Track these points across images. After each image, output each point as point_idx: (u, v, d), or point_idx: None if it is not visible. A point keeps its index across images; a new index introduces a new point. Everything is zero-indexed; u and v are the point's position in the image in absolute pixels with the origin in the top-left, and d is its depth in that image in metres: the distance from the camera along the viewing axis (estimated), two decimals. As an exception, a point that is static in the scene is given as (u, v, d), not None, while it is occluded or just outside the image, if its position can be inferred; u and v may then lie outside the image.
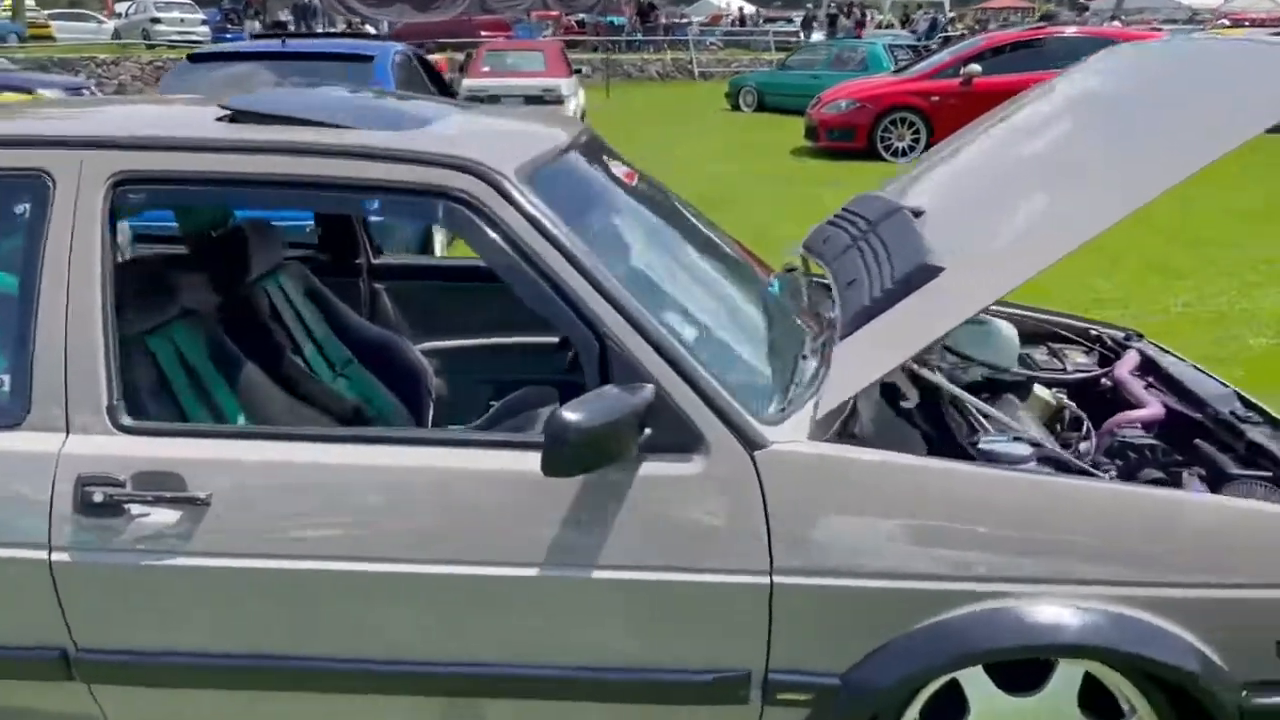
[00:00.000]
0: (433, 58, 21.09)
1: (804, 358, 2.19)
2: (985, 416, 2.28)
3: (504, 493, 1.88)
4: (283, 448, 1.93)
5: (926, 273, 2.12)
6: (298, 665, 1.94)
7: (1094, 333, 3.17)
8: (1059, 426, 2.64)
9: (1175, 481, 2.29)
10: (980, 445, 2.10)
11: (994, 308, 3.21)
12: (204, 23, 29.02)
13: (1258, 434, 2.39)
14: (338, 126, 2.06)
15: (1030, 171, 2.49)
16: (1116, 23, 24.71)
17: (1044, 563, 1.88)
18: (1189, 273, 6.62)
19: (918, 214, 2.60)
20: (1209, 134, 2.00)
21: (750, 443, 1.88)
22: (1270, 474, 2.26)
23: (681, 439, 1.88)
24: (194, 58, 6.51)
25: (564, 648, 1.93)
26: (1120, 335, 3.14)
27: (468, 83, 15.06)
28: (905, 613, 1.89)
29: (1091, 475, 2.03)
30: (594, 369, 1.90)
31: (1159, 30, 22.70)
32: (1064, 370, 2.98)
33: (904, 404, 2.06)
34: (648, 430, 1.86)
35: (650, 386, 1.87)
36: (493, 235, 1.92)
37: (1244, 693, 1.92)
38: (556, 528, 1.88)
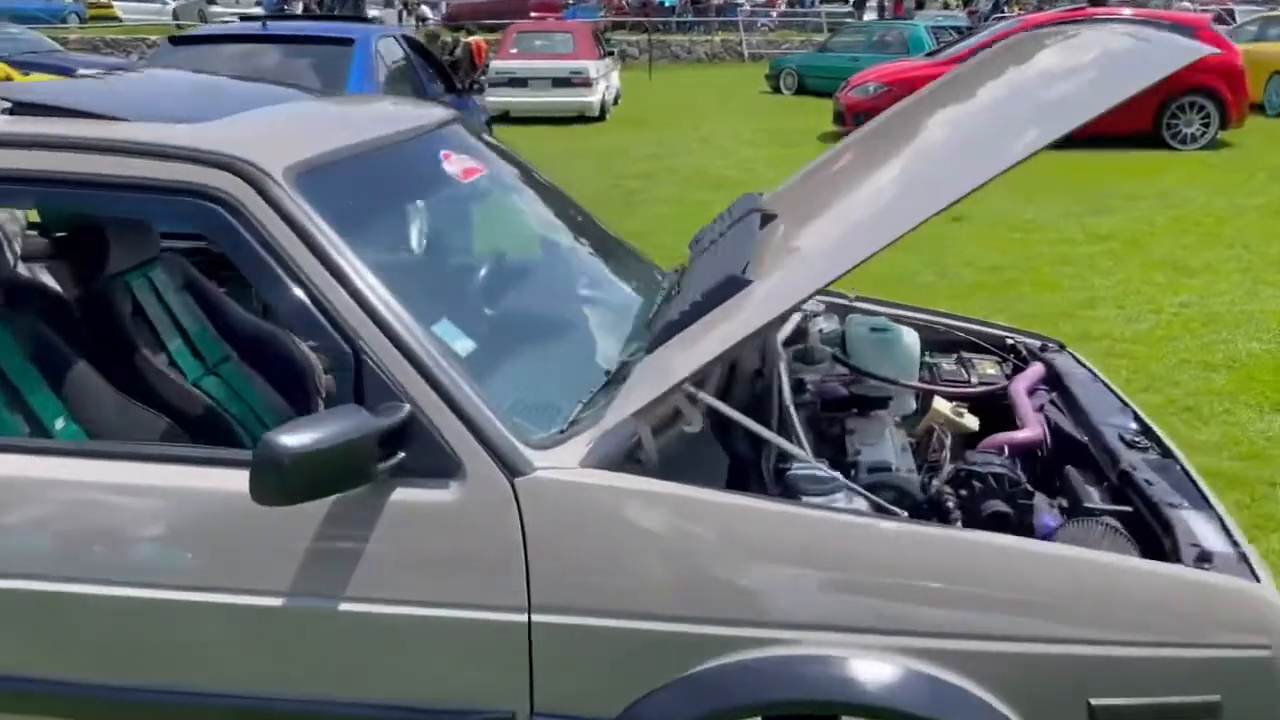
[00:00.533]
0: (471, 40, 21.14)
1: (608, 373, 2.04)
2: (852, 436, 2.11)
3: (229, 514, 1.76)
4: None
5: (732, 285, 1.94)
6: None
7: (1010, 342, 2.96)
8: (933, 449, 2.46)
9: (1023, 514, 2.10)
10: (789, 474, 1.93)
11: (908, 315, 3.03)
12: (258, 3, 29.31)
13: (1137, 461, 2.19)
14: (112, 119, 1.95)
15: (884, 165, 2.30)
16: (1186, 3, 23.51)
17: (828, 608, 1.71)
18: (1201, 272, 6.28)
19: (769, 217, 2.42)
20: (1025, 131, 1.80)
21: (511, 469, 1.73)
22: (1131, 508, 2.06)
23: (439, 464, 1.74)
24: (174, 40, 6.48)
25: (312, 679, 1.81)
26: (1036, 345, 2.92)
27: (495, 64, 15.00)
28: (675, 658, 1.73)
29: (889, 512, 1.83)
30: (348, 387, 1.76)
31: (1232, 10, 21.72)
32: (967, 383, 2.79)
33: (687, 429, 1.89)
34: (401, 454, 1.72)
35: (405, 407, 1.73)
36: (249, 239, 1.79)
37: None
38: (297, 555, 1.75)
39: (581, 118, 14.76)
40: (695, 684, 1.73)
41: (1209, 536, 1.91)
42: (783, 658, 1.71)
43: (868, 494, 1.90)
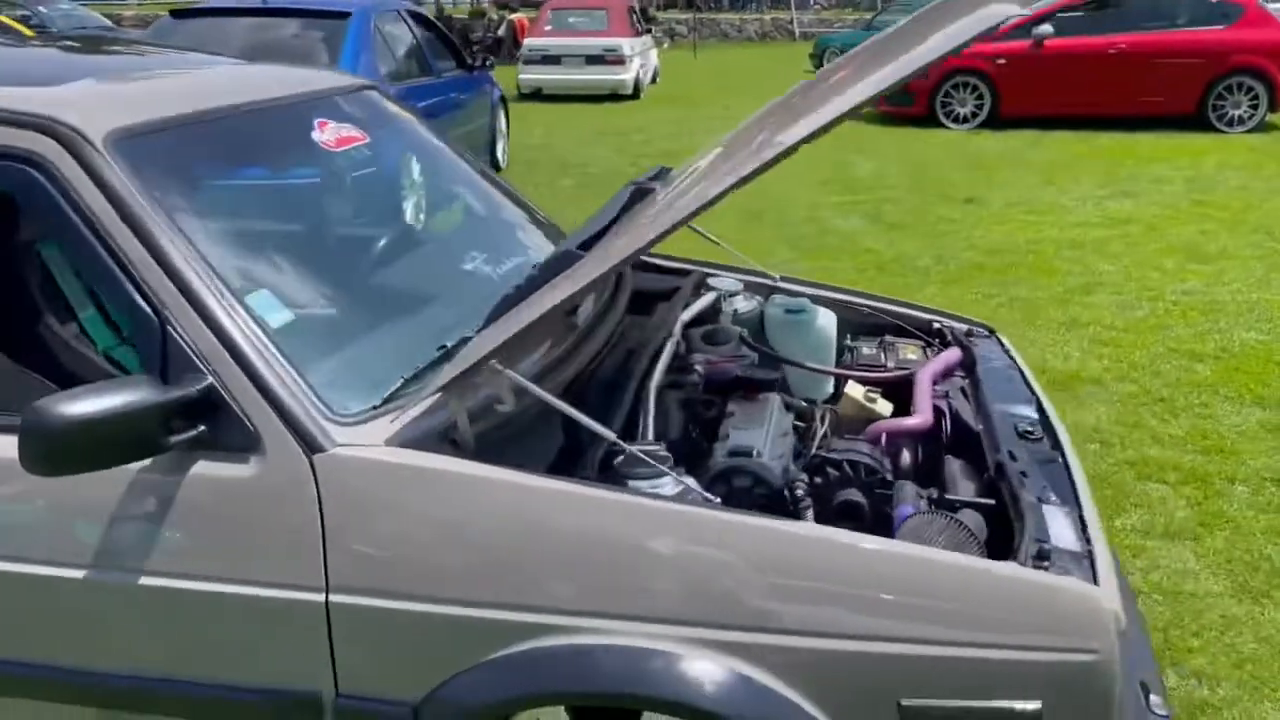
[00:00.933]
0: (515, 16, 21.02)
1: (444, 349, 1.98)
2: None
3: (20, 480, 1.72)
4: None
5: (565, 260, 1.87)
6: None
7: (937, 326, 2.84)
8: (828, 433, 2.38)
9: (879, 504, 2.01)
10: (615, 458, 1.86)
11: (832, 296, 2.94)
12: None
13: (1020, 453, 2.10)
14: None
15: (755, 133, 2.20)
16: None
17: (626, 596, 1.65)
18: (1215, 258, 6.03)
19: (645, 192, 2.34)
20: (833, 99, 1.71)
21: (310, 445, 1.69)
22: (994, 501, 1.97)
23: (238, 438, 1.70)
24: (175, 13, 6.53)
25: (116, 654, 1.80)
26: (963, 330, 2.81)
27: (529, 41, 14.93)
28: (476, 643, 1.69)
29: (710, 502, 1.76)
30: (151, 356, 1.73)
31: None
32: (882, 367, 2.70)
33: (500, 408, 1.83)
34: (201, 427, 1.69)
35: (207, 379, 1.69)
36: (61, 204, 1.77)
37: (863, 761, 1.65)
38: (100, 524, 1.73)
39: (615, 96, 14.65)
40: (494, 670, 1.68)
41: (1060, 534, 1.81)
42: (577, 646, 1.66)
43: (692, 481, 1.83)
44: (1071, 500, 1.95)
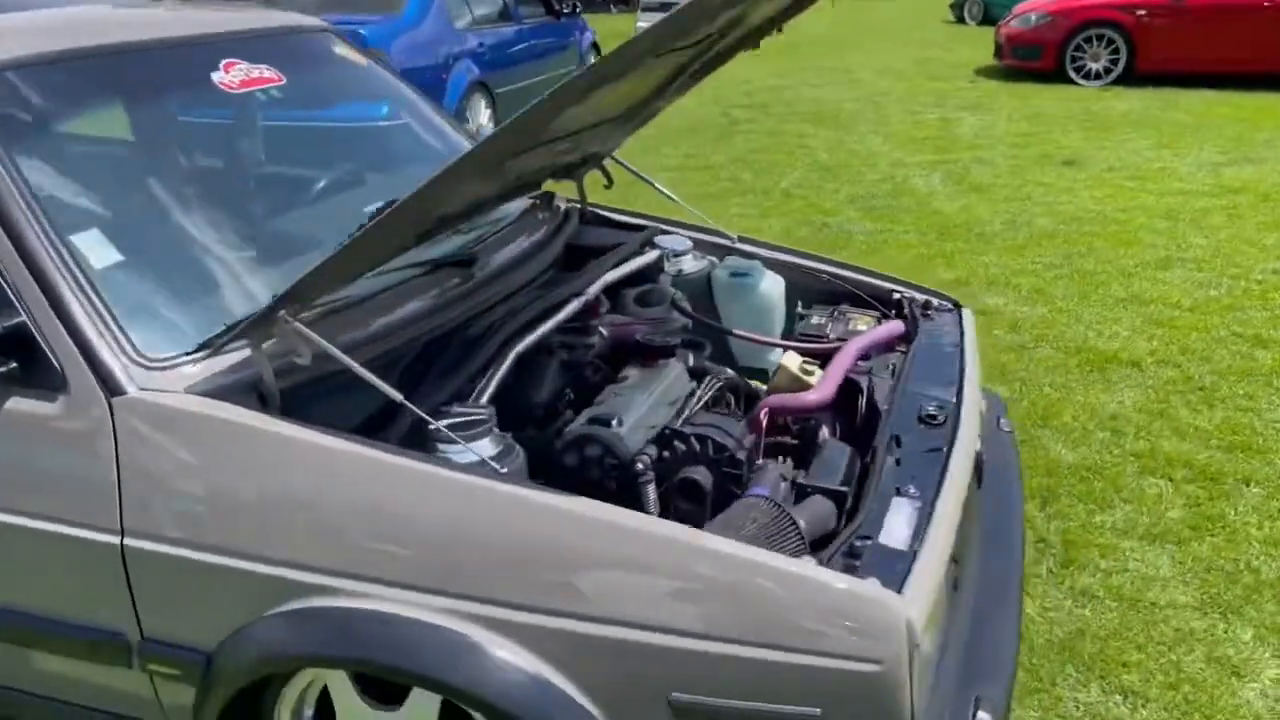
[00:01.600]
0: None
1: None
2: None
3: None
4: None
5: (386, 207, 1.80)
6: None
7: (897, 296, 2.66)
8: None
9: (728, 482, 1.89)
10: (430, 422, 1.79)
11: (792, 262, 2.79)
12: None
13: (906, 439, 1.95)
14: None
15: None
16: None
17: (399, 565, 1.59)
18: (1328, 237, 5.46)
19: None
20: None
21: (111, 388, 1.69)
22: (846, 489, 1.83)
23: (46, 376, 1.72)
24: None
25: None
26: (920, 302, 2.62)
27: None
28: (258, 597, 1.67)
29: (496, 471, 1.66)
30: None
31: None
32: (820, 338, 2.55)
33: (299, 360, 1.77)
34: (13, 364, 1.71)
35: (19, 315, 1.71)
36: None
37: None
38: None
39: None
40: (271, 626, 1.66)
41: (895, 531, 1.66)
42: (342, 609, 1.62)
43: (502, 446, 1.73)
44: (929, 496, 1.78)
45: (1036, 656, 2.36)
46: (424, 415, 1.68)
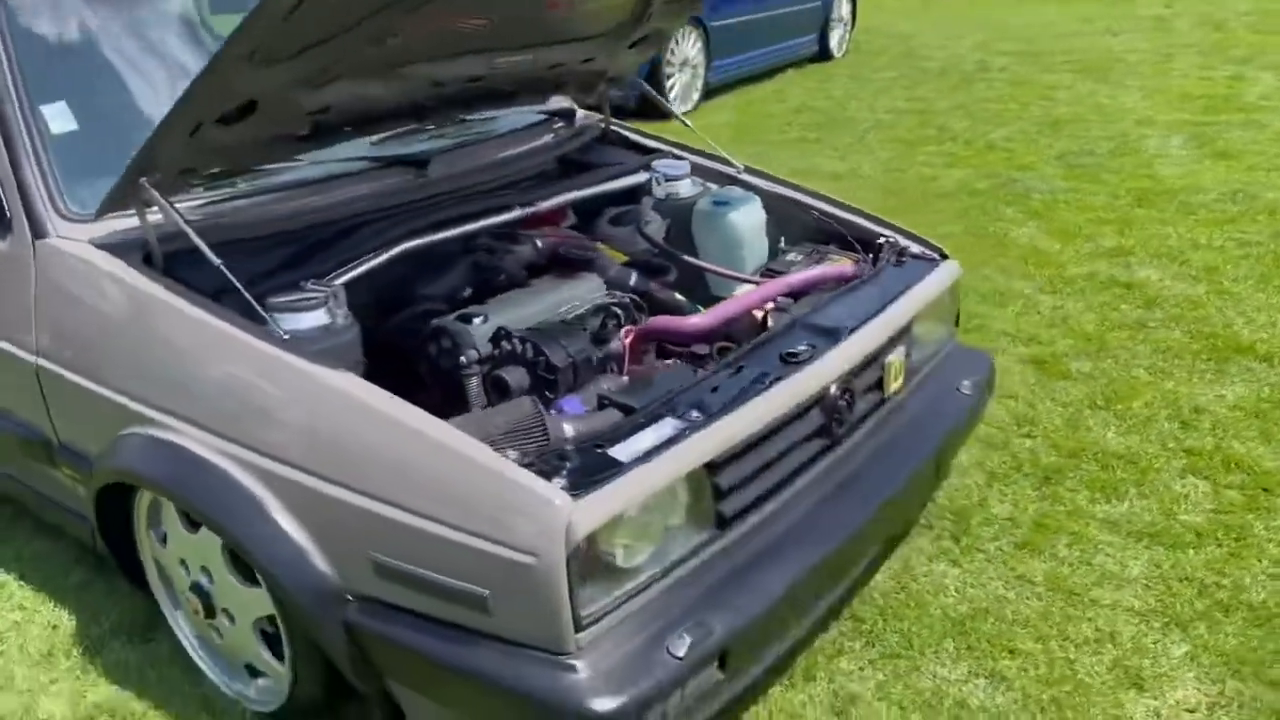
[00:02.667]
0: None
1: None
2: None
3: None
4: None
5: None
6: None
7: (881, 240, 2.56)
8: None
9: (543, 387, 1.98)
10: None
11: (790, 196, 2.75)
12: None
13: (747, 368, 1.96)
14: None
15: None
16: None
17: (191, 404, 1.84)
18: None
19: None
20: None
21: (37, 232, 2.04)
22: (635, 408, 1.85)
23: (1, 219, 2.10)
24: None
25: None
26: (898, 248, 2.51)
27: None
28: (114, 419, 1.97)
29: (285, 340, 1.82)
30: None
31: None
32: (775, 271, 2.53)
33: (168, 230, 1.99)
34: (-22, 206, 2.11)
35: (-14, 166, 2.10)
36: None
37: (350, 604, 1.73)
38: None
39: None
40: (117, 444, 1.96)
41: (633, 448, 1.69)
42: (148, 436, 1.89)
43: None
44: (709, 423, 1.76)
45: (919, 625, 2.24)
46: (243, 289, 1.87)
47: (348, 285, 2.07)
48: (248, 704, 2.05)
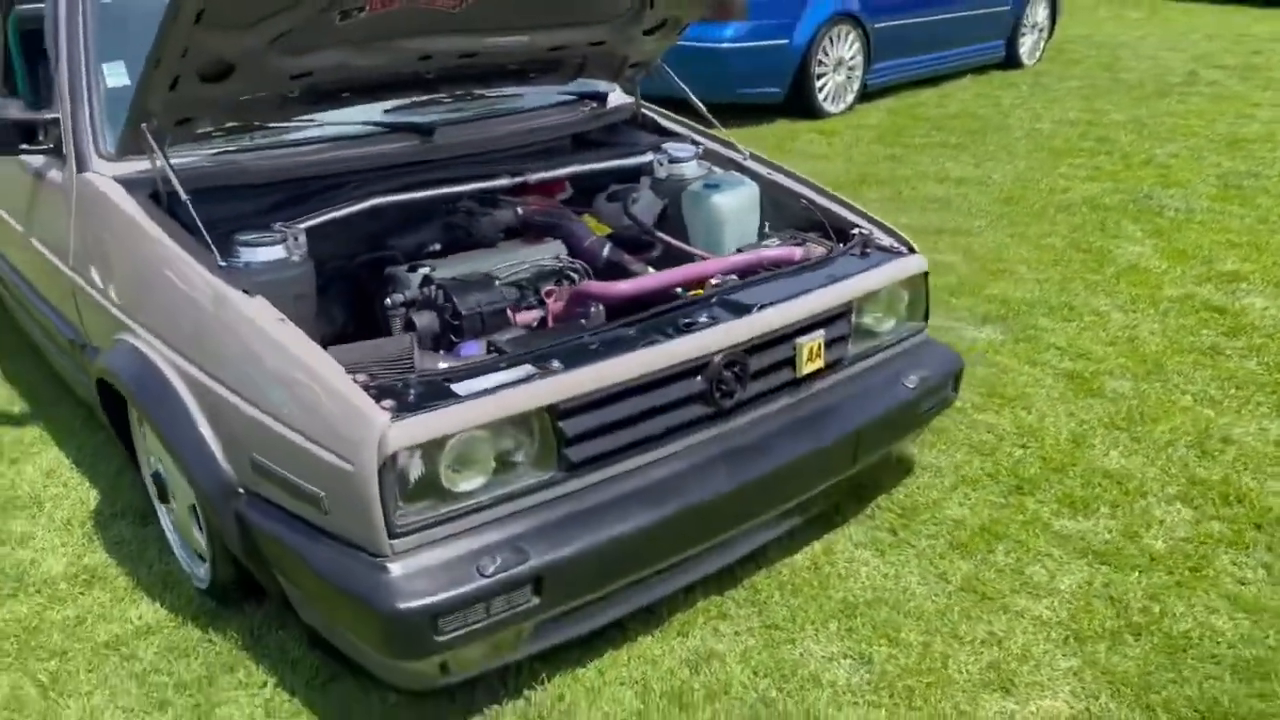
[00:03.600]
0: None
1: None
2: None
3: None
4: None
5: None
6: None
7: (855, 231, 2.62)
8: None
9: (448, 331, 2.20)
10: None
11: (786, 185, 2.84)
12: None
13: (638, 327, 2.14)
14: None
15: None
16: None
17: (151, 317, 2.18)
18: None
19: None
20: None
21: (79, 165, 2.45)
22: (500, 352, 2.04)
23: (57, 150, 2.52)
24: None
25: None
26: (865, 238, 2.57)
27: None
28: (111, 328, 2.34)
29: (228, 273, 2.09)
30: (37, 92, 2.61)
31: None
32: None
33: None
34: (49, 145, 2.54)
35: (55, 112, 2.53)
36: None
37: (240, 497, 2.00)
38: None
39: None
40: (110, 348, 2.33)
41: (471, 385, 1.87)
42: (118, 341, 2.24)
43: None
44: (561, 372, 1.92)
45: (811, 604, 2.28)
46: (200, 224, 2.17)
47: (323, 230, 2.36)
48: (195, 581, 2.38)
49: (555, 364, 1.95)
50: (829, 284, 2.35)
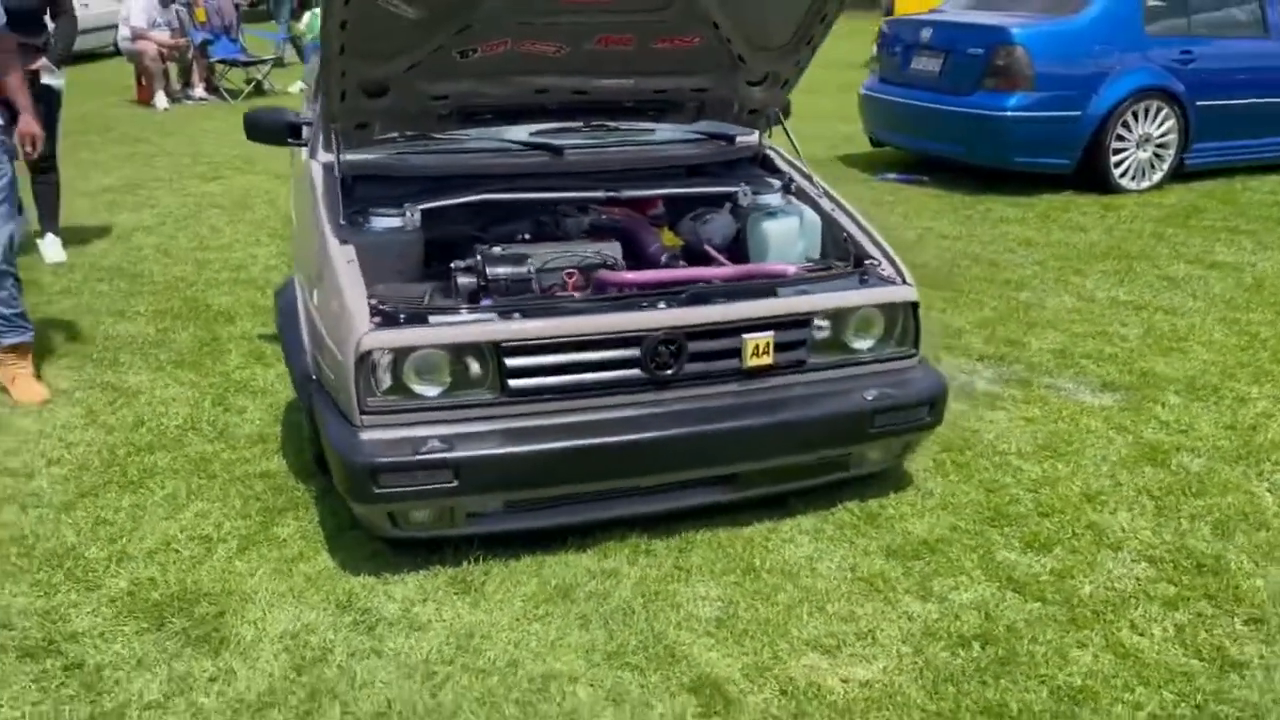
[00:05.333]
0: None
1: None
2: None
3: None
4: None
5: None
6: None
7: (867, 262, 3.02)
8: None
9: (479, 289, 2.89)
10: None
11: (839, 221, 3.25)
12: None
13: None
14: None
15: None
16: None
17: (303, 268, 3.09)
18: None
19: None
20: None
21: (311, 152, 3.48)
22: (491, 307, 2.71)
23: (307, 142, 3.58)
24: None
25: None
26: (864, 264, 2.97)
27: None
28: (303, 283, 3.32)
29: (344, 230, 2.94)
30: None
31: None
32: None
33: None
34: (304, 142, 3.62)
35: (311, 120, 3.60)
36: None
37: (313, 383, 2.84)
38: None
39: None
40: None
41: (439, 319, 2.57)
42: (289, 279, 3.18)
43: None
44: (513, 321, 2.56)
45: (722, 560, 2.65)
46: (339, 197, 3.06)
47: (440, 213, 3.17)
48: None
49: (515, 315, 2.58)
50: (793, 295, 2.74)
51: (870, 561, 2.68)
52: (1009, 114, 6.44)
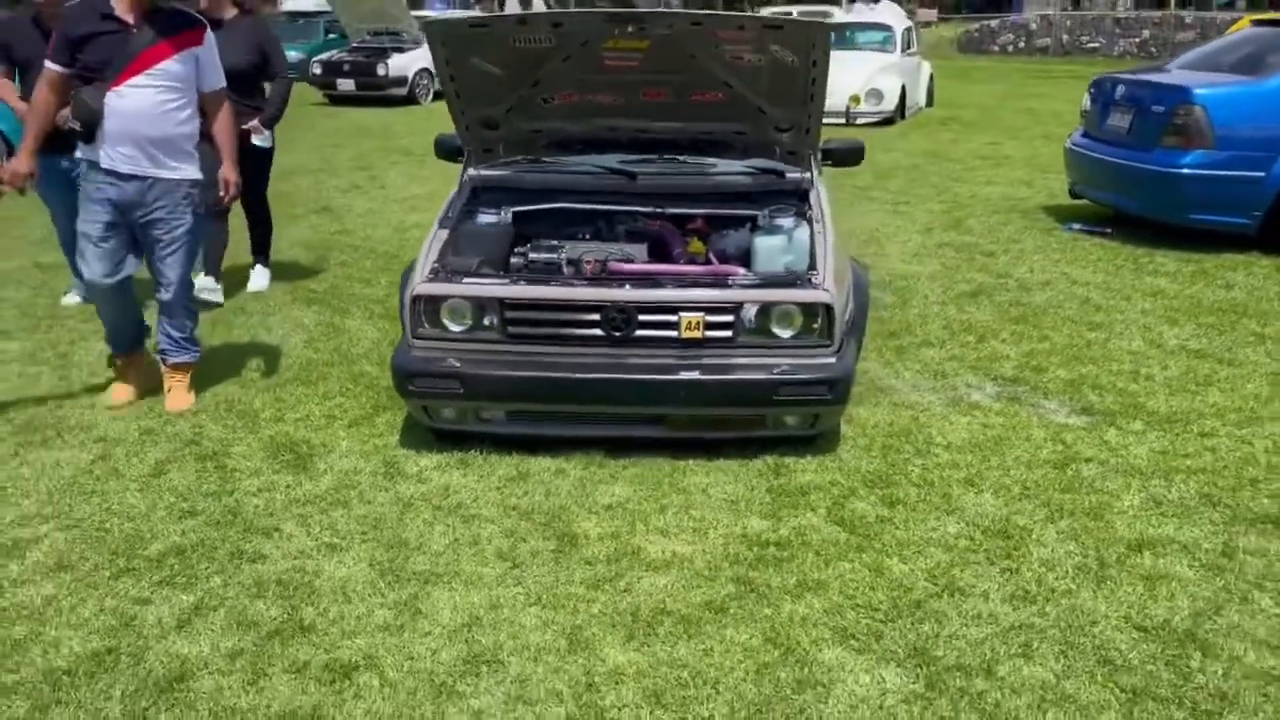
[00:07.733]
0: None
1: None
2: None
3: None
4: None
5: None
6: None
7: (806, 270, 3.88)
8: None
9: (523, 268, 4.03)
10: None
11: (827, 239, 4.10)
12: None
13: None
14: None
15: None
16: None
17: (425, 255, 4.41)
18: None
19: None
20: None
21: (466, 168, 4.82)
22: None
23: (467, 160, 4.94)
24: None
25: None
26: (811, 279, 3.84)
27: None
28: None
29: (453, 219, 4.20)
30: None
31: None
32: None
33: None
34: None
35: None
36: None
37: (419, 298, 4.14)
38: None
39: None
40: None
41: (470, 279, 3.76)
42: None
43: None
44: (517, 287, 3.70)
45: (650, 483, 3.59)
46: (462, 201, 4.33)
47: (528, 215, 4.36)
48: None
49: (520, 283, 3.71)
50: (725, 289, 3.63)
51: (749, 494, 3.51)
52: (1184, 171, 6.55)
